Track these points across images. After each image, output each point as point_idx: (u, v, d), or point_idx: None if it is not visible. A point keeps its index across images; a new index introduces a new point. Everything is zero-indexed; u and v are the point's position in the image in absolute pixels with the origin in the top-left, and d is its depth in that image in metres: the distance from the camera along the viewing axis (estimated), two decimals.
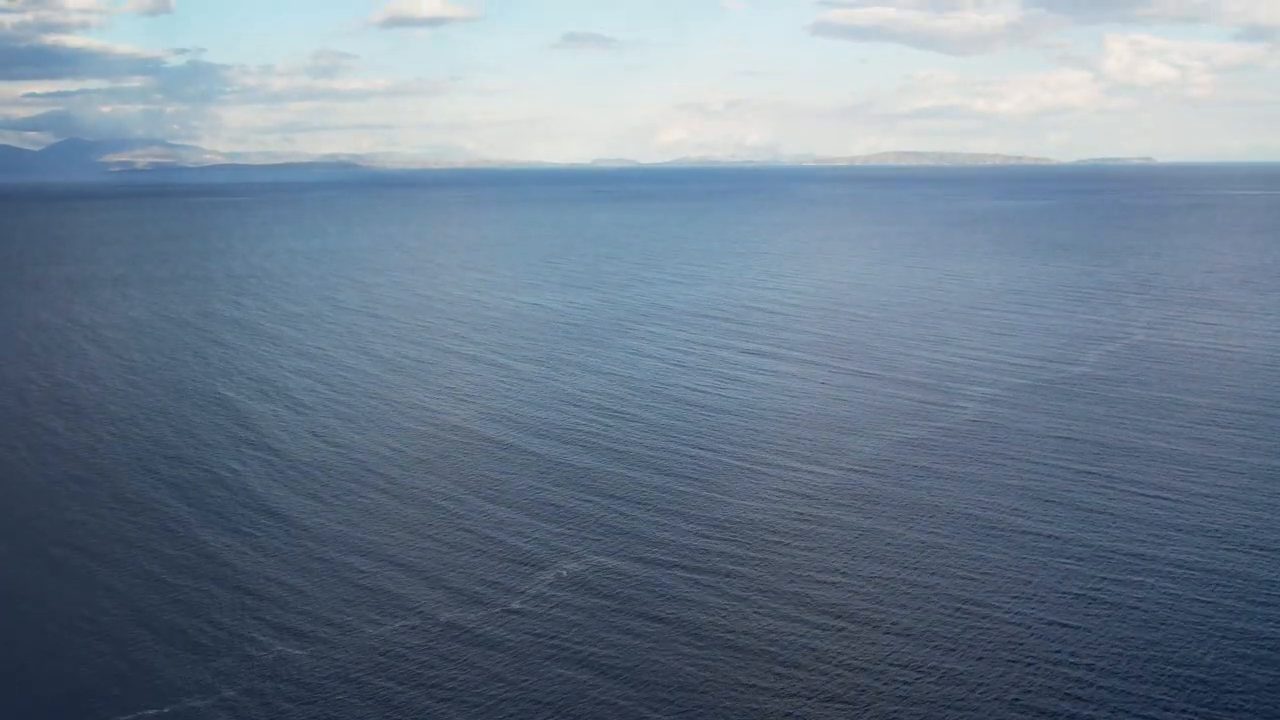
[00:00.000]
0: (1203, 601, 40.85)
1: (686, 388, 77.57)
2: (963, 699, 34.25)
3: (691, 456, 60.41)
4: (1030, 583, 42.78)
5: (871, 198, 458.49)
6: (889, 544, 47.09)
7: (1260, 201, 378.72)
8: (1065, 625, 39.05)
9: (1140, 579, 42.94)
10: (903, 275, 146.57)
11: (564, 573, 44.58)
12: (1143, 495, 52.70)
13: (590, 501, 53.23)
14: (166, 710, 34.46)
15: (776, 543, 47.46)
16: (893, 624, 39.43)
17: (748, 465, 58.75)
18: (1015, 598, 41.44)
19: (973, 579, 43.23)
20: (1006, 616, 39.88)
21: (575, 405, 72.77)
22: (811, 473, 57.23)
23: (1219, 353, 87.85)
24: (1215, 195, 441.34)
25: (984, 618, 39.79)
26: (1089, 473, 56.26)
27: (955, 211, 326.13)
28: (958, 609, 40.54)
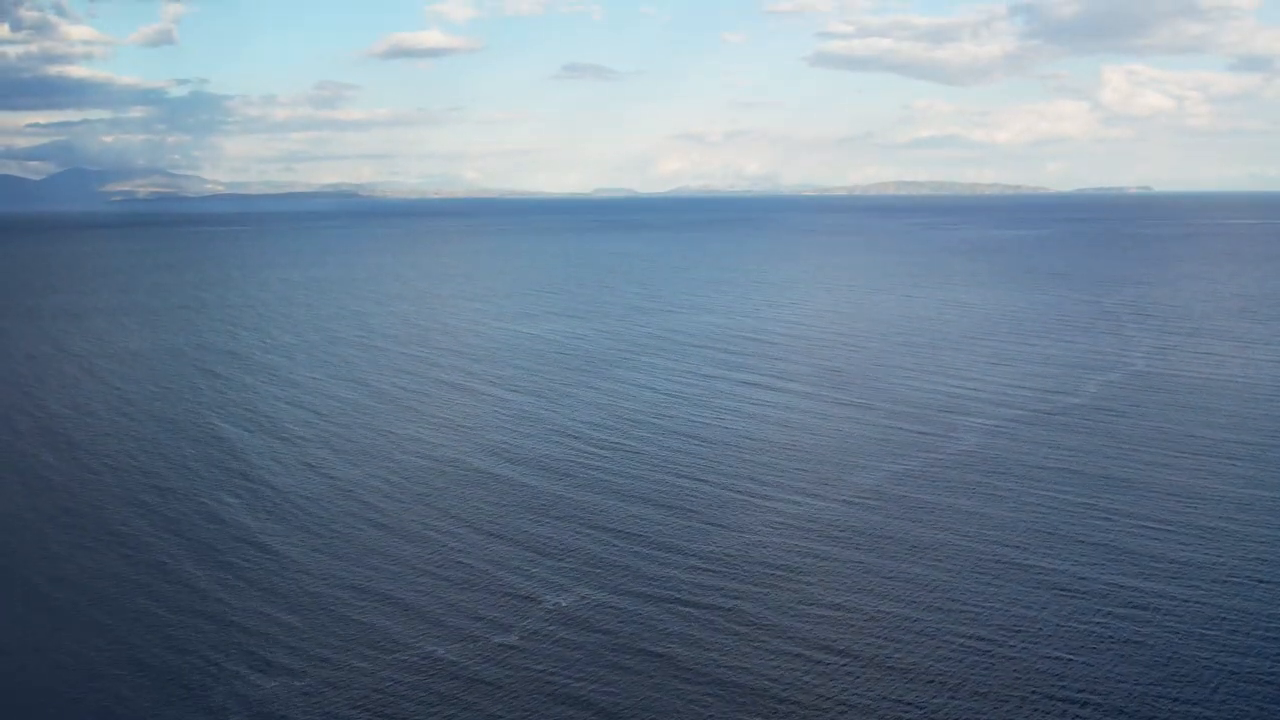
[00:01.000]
0: (1209, 638, 40.14)
1: (684, 419, 77.01)
2: None
3: (689, 489, 59.77)
4: (1034, 619, 42.07)
5: (870, 227, 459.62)
6: (888, 579, 46.40)
7: (1258, 230, 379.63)
8: (1070, 661, 38.33)
9: (1145, 614, 42.23)
10: (901, 304, 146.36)
11: (559, 608, 43.87)
12: (1146, 529, 52.04)
13: (586, 535, 52.56)
14: None
15: (775, 577, 46.76)
16: (893, 661, 38.71)
17: (745, 498, 58.12)
18: (1018, 634, 40.72)
19: (974, 615, 42.52)
20: (1009, 653, 39.16)
21: (571, 437, 72.20)
22: (810, 506, 56.59)
23: (1220, 382, 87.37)
24: (1213, 224, 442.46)
25: (986, 654, 39.08)
26: (1091, 506, 55.61)
27: (954, 240, 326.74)
28: (959, 645, 39.81)
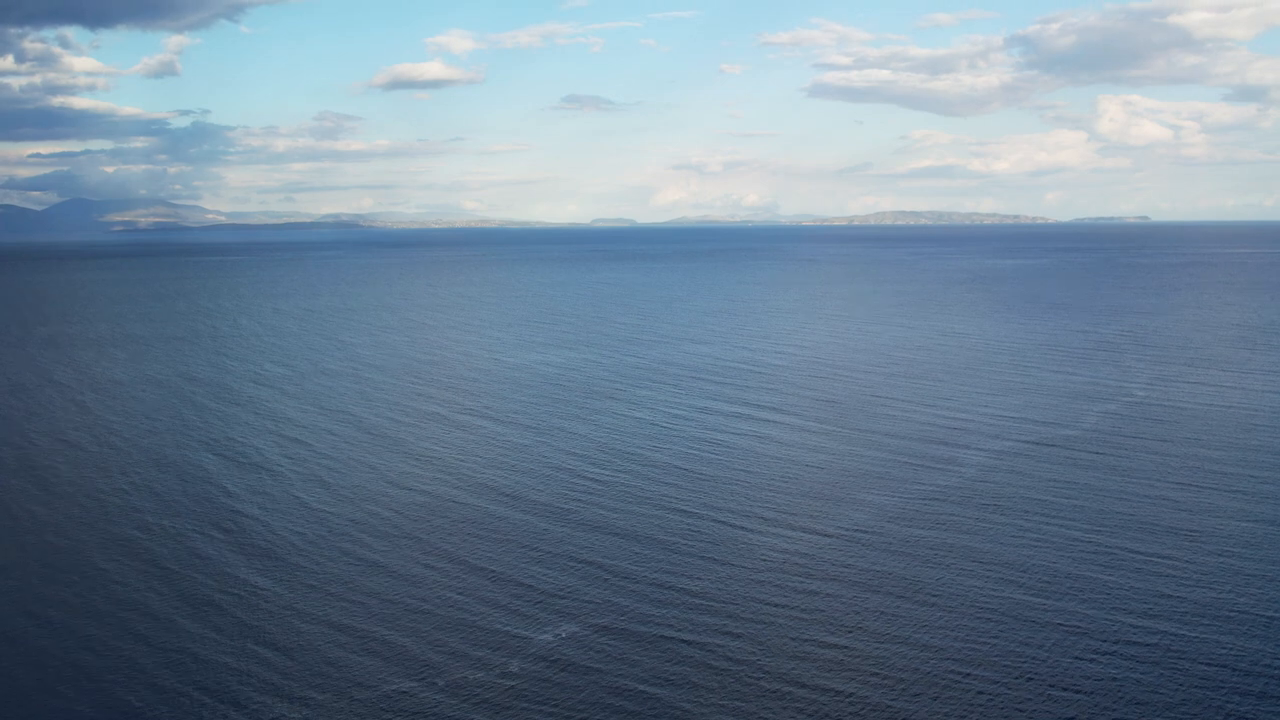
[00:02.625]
0: (1216, 679, 39.10)
1: (679, 452, 76.08)
2: None
3: (683, 524, 58.78)
4: (1034, 659, 41.02)
5: (869, 257, 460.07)
6: (886, 617, 45.36)
7: (1255, 259, 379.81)
8: (1073, 702, 37.26)
9: (1152, 654, 41.19)
10: (900, 334, 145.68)
11: (551, 647, 42.80)
12: (1149, 565, 51.07)
13: (578, 572, 51.55)
14: None
15: (771, 616, 45.72)
16: (891, 705, 37.66)
17: (741, 533, 57.12)
18: (1017, 675, 39.67)
19: (973, 654, 41.46)
20: (1008, 693, 38.13)
21: (565, 471, 71.25)
22: (806, 541, 55.59)
23: (1220, 412, 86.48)
24: (1211, 253, 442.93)
25: (984, 694, 38.05)
26: (1093, 541, 54.63)
27: (952, 270, 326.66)
28: (960, 686, 38.75)
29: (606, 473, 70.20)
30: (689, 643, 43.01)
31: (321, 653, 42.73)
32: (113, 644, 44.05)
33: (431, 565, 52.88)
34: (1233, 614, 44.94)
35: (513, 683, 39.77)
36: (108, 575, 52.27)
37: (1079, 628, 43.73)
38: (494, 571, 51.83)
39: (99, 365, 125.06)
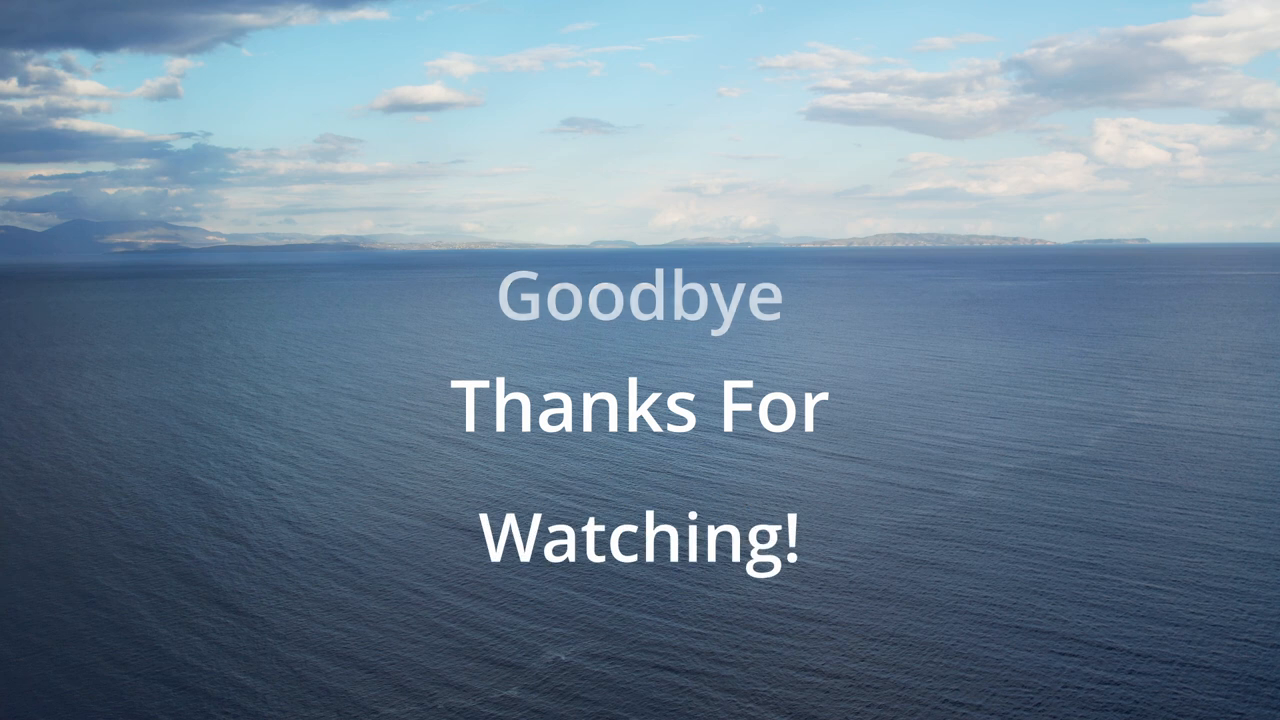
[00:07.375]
0: (1213, 700, 38.41)
1: (674, 474, 75.53)
2: None
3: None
4: (1034, 686, 40.34)
5: (868, 278, 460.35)
6: (886, 642, 44.70)
7: (1253, 281, 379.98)
8: None
9: (1147, 679, 40.51)
10: (898, 356, 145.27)
11: (543, 674, 42.13)
12: (1151, 588, 50.43)
13: (571, 597, 50.89)
14: None
15: (765, 641, 45.06)
16: None
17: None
18: (1016, 702, 38.98)
19: (970, 679, 40.80)
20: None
21: (557, 492, 70.67)
22: (802, 564, 54.94)
23: (1220, 435, 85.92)
24: (1209, 275, 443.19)
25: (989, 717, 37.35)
26: (1091, 564, 54.02)
27: (951, 292, 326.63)
28: (961, 715, 38.03)
29: (601, 494, 69.57)
30: (687, 670, 42.28)
31: (306, 679, 41.98)
32: (92, 668, 43.23)
33: (422, 589, 52.20)
34: (1234, 631, 44.27)
35: (504, 711, 39.06)
36: (90, 598, 51.51)
37: (1082, 653, 43.04)
38: (486, 596, 51.11)
39: (67, 388, 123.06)
